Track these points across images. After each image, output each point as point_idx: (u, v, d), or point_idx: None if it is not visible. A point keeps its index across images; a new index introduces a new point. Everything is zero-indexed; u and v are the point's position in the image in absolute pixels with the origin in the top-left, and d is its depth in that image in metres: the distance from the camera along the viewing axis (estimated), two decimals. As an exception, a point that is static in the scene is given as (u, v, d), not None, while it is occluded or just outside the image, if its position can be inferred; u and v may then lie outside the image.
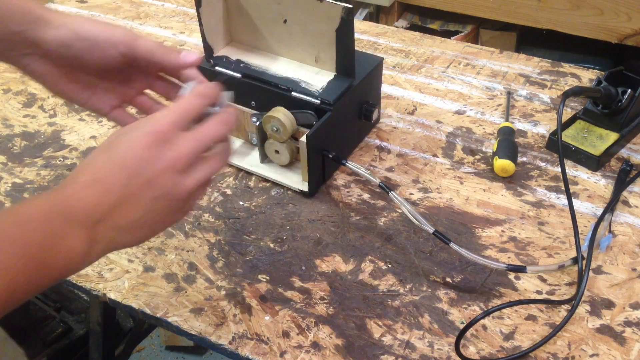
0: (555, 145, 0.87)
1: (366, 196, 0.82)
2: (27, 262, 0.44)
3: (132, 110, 0.66)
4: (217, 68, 0.85)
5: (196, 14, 0.82)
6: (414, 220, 0.72)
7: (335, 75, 0.82)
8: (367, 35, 1.15)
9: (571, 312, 0.65)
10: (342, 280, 0.71)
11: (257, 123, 0.82)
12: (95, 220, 0.48)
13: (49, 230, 0.46)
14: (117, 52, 0.58)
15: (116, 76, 0.62)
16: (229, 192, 0.83)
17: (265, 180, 0.85)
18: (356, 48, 0.80)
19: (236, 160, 0.87)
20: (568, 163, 0.86)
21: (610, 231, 0.76)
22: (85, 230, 0.47)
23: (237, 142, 0.90)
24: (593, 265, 0.72)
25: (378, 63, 0.86)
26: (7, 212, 0.47)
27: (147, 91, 0.66)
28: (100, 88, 0.62)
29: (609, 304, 0.68)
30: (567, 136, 0.87)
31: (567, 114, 0.92)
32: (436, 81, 1.02)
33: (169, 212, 0.51)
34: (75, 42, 0.57)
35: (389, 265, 0.73)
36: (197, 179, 0.51)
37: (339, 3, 0.74)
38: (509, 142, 0.85)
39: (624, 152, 0.87)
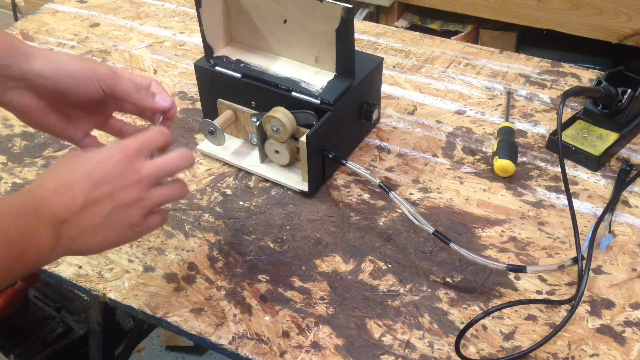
0: (555, 145, 0.87)
1: (366, 196, 0.82)
2: (6, 252, 0.49)
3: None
4: (217, 68, 0.85)
5: (196, 14, 0.82)
6: (414, 220, 0.72)
7: (335, 75, 0.82)
8: (367, 35, 1.15)
9: (571, 312, 0.65)
10: (342, 280, 0.71)
11: (257, 123, 0.82)
12: (60, 220, 0.53)
13: (23, 225, 0.51)
14: (98, 88, 0.62)
15: (91, 106, 0.65)
16: (229, 192, 0.83)
17: (265, 180, 0.85)
18: (356, 48, 0.80)
19: (236, 160, 0.87)
20: (568, 163, 0.86)
21: (610, 231, 0.76)
22: (52, 227, 0.52)
23: (237, 142, 0.90)
24: (593, 265, 0.72)
25: (378, 63, 0.86)
26: None
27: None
28: (75, 117, 0.66)
29: (609, 304, 0.68)
30: (567, 136, 0.87)
31: (567, 114, 0.92)
32: (436, 81, 1.02)
33: (124, 226, 0.56)
34: (62, 77, 0.61)
35: (389, 265, 0.73)
36: (154, 200, 0.58)
37: (339, 3, 0.74)
38: (509, 142, 0.85)
39: (624, 152, 0.87)
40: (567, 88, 1.00)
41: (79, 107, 0.65)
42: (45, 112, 0.63)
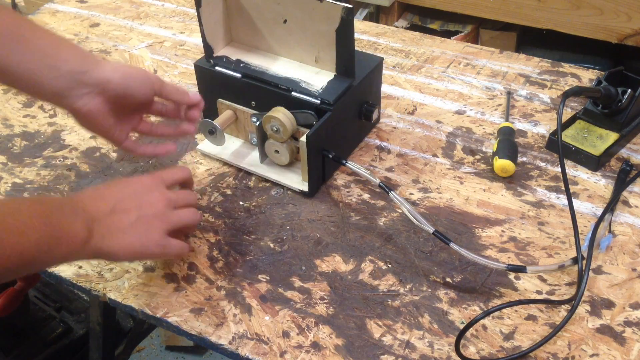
0: (555, 145, 0.87)
1: (366, 196, 0.82)
2: (45, 234, 0.56)
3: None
4: (217, 68, 0.85)
5: (196, 14, 0.82)
6: (414, 220, 0.72)
7: (335, 75, 0.82)
8: (367, 35, 1.15)
9: (571, 312, 0.65)
10: (342, 280, 0.71)
11: (257, 123, 0.82)
12: (93, 218, 0.62)
13: (62, 214, 0.59)
14: (152, 90, 0.73)
15: (135, 108, 0.75)
16: (229, 192, 0.83)
17: (265, 180, 0.85)
18: (356, 48, 0.80)
19: (236, 160, 0.87)
20: (568, 163, 0.86)
21: (610, 231, 0.76)
22: (85, 223, 0.61)
23: (237, 142, 0.90)
24: (593, 265, 0.72)
25: (378, 63, 0.86)
26: (24, 197, 0.61)
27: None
28: (123, 120, 0.75)
29: (609, 304, 0.68)
30: (567, 136, 0.87)
31: (567, 114, 0.92)
32: (436, 81, 1.02)
33: (148, 236, 0.65)
34: (128, 81, 0.70)
35: (389, 265, 0.73)
36: (174, 218, 0.67)
37: (338, 3, 0.74)
38: (509, 142, 0.85)
39: (624, 152, 0.87)
40: (567, 88, 1.00)
41: (128, 110, 0.74)
42: (108, 115, 0.72)
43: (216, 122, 0.84)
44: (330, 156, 0.80)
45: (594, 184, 0.82)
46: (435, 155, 0.88)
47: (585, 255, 0.69)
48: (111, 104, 0.71)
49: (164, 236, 0.66)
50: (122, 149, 0.77)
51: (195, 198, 0.73)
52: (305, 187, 0.81)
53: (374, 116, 0.87)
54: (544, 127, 0.92)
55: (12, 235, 0.54)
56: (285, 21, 0.81)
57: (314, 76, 0.83)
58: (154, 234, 0.65)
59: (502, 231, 0.76)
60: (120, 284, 0.72)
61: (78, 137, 0.94)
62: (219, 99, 0.87)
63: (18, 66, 0.65)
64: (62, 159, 0.90)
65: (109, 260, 0.71)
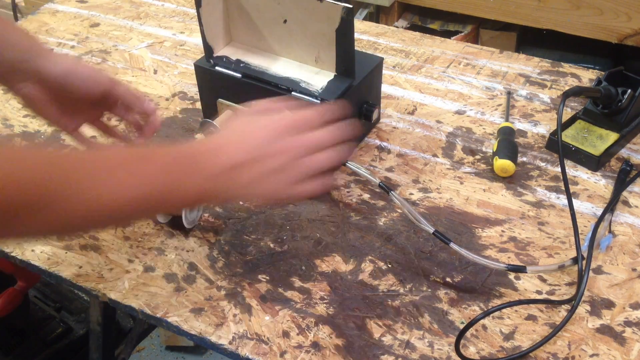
0: (555, 145, 0.86)
1: (366, 196, 0.82)
2: (164, 181, 0.56)
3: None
4: (217, 68, 0.85)
5: (196, 14, 0.82)
6: (414, 220, 0.72)
7: (335, 75, 0.82)
8: (367, 35, 1.15)
9: (571, 312, 0.65)
10: (342, 280, 0.71)
11: (257, 123, 0.82)
12: (220, 170, 0.59)
13: (180, 168, 0.58)
14: (99, 90, 0.73)
15: (87, 105, 0.75)
16: (229, 192, 0.83)
17: (265, 180, 0.85)
18: (356, 48, 0.80)
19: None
20: (568, 163, 0.86)
21: (610, 231, 0.76)
22: (202, 180, 0.58)
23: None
24: (593, 265, 0.72)
25: (378, 63, 0.86)
26: (152, 147, 0.61)
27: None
28: (71, 111, 0.75)
29: (609, 304, 0.68)
30: (567, 136, 0.87)
31: (567, 114, 0.92)
32: (436, 81, 1.02)
33: (274, 186, 0.61)
34: (70, 77, 0.71)
35: (389, 265, 0.73)
36: (303, 169, 0.62)
37: (338, 3, 0.74)
38: (508, 142, 0.85)
39: (624, 152, 0.87)
40: (567, 88, 1.00)
41: (77, 103, 0.74)
42: (46, 103, 0.72)
43: (216, 122, 0.84)
44: (330, 156, 0.80)
45: (594, 184, 0.82)
46: (435, 155, 0.88)
47: (585, 255, 0.69)
48: (52, 94, 0.72)
49: (291, 186, 0.62)
50: (72, 137, 0.77)
51: (335, 136, 0.64)
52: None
53: (374, 116, 0.87)
54: (544, 127, 0.92)
55: (136, 180, 0.55)
56: (285, 21, 0.81)
57: (314, 76, 0.83)
58: (279, 186, 0.61)
59: (502, 231, 0.76)
60: (120, 284, 0.72)
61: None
62: (219, 99, 0.87)
63: None
64: (62, 159, 0.90)
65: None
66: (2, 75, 0.71)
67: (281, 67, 0.84)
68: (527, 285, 0.70)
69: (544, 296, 0.69)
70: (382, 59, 0.87)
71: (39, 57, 0.70)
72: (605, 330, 0.65)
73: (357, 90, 0.83)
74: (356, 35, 1.12)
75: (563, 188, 0.75)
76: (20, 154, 0.52)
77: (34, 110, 0.74)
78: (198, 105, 0.99)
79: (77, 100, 0.73)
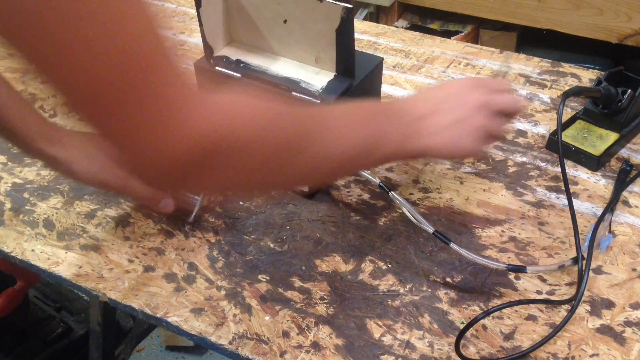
0: (555, 145, 0.86)
1: (366, 196, 0.82)
2: (367, 136, 0.61)
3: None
4: (217, 68, 0.85)
5: (196, 14, 0.82)
6: (414, 220, 0.72)
7: (335, 75, 0.82)
8: (367, 35, 1.15)
9: (571, 312, 0.65)
10: (342, 280, 0.71)
11: (257, 123, 0.82)
12: (411, 121, 0.65)
13: (381, 119, 0.64)
14: (104, 187, 0.74)
15: None
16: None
17: (265, 180, 0.85)
18: (356, 48, 0.80)
19: (236, 160, 0.87)
20: (568, 163, 0.86)
21: (610, 231, 0.76)
22: (403, 127, 0.64)
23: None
24: (593, 265, 0.72)
25: (378, 63, 0.86)
26: (352, 103, 0.64)
27: None
28: None
29: (609, 304, 0.68)
30: (567, 136, 0.87)
31: (567, 114, 0.92)
32: (436, 81, 1.02)
33: (464, 135, 0.66)
34: (74, 166, 0.72)
35: (389, 265, 0.73)
36: (489, 121, 0.67)
37: (339, 3, 0.74)
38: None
39: (624, 152, 0.87)
40: (567, 88, 1.00)
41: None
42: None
43: None
44: (330, 156, 0.80)
45: (594, 184, 0.82)
46: (435, 155, 0.88)
47: (585, 255, 0.69)
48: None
49: (479, 138, 0.67)
50: None
51: (519, 105, 0.71)
52: (305, 187, 0.81)
53: (374, 116, 0.87)
54: (544, 127, 0.92)
55: (344, 134, 0.59)
56: (285, 21, 0.81)
57: (314, 76, 0.83)
58: (469, 136, 0.66)
59: (502, 231, 0.76)
60: (120, 284, 0.72)
61: (78, 137, 0.93)
62: (219, 99, 0.87)
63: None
64: (62, 159, 0.90)
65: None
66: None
67: (281, 67, 0.84)
68: (527, 285, 0.70)
69: (544, 296, 0.69)
70: (383, 59, 0.87)
71: (49, 143, 0.72)
72: (605, 330, 0.65)
73: (357, 90, 0.83)
74: (356, 35, 1.12)
75: (563, 188, 0.75)
76: (279, 107, 0.55)
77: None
78: (198, 105, 0.98)
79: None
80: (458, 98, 0.67)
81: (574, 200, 0.79)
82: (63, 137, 0.73)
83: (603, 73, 0.89)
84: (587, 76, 1.02)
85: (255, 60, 0.86)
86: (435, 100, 0.67)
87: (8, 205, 0.82)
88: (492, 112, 0.68)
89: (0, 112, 0.71)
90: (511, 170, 0.85)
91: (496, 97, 0.68)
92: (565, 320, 0.65)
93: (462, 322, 0.67)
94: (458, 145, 0.66)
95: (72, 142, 0.73)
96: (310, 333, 0.66)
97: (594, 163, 0.84)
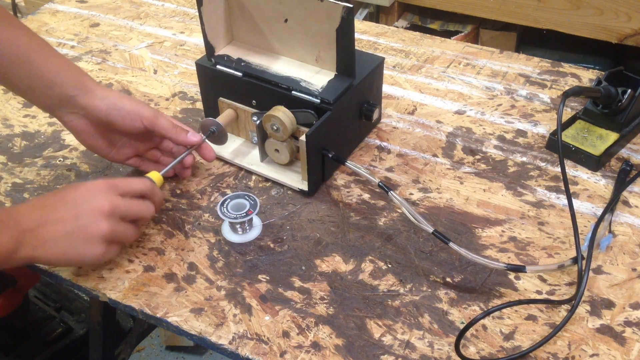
0: (555, 145, 0.87)
1: (366, 196, 0.82)
2: None
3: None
4: (218, 67, 0.85)
5: (197, 13, 0.82)
6: (413, 220, 0.72)
7: (335, 74, 0.82)
8: (367, 35, 1.15)
9: (571, 312, 0.65)
10: (342, 280, 0.71)
11: (258, 122, 0.82)
12: (24, 230, 0.63)
13: None
14: (142, 124, 0.77)
15: (134, 137, 0.81)
16: (229, 192, 0.83)
17: (266, 180, 0.85)
18: (356, 48, 0.80)
19: (236, 159, 0.87)
20: (568, 163, 0.86)
21: (610, 231, 0.76)
22: (14, 236, 0.62)
23: (237, 141, 0.90)
24: (593, 265, 0.72)
25: (379, 63, 0.86)
26: None
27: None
28: (119, 144, 0.81)
29: (609, 304, 0.68)
30: (567, 136, 0.87)
31: (567, 114, 0.93)
32: (436, 81, 1.02)
33: (83, 244, 0.65)
34: (113, 112, 0.76)
35: (389, 265, 0.73)
36: (112, 229, 0.66)
37: (339, 2, 0.74)
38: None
39: (624, 152, 0.87)
40: (567, 88, 1.00)
41: (123, 137, 0.80)
42: (94, 136, 0.78)
43: (219, 119, 0.84)
44: (330, 155, 0.80)
45: (594, 184, 0.82)
46: (435, 155, 0.88)
47: (585, 255, 0.69)
48: (98, 127, 0.78)
49: (100, 245, 0.66)
50: (126, 165, 0.84)
51: (150, 211, 0.72)
52: (304, 186, 0.81)
53: (375, 116, 0.87)
54: (544, 127, 0.92)
55: None
56: (286, 20, 0.81)
57: (315, 75, 0.83)
58: (88, 244, 0.66)
59: (502, 231, 0.76)
60: (120, 284, 0.72)
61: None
62: (220, 98, 0.87)
63: (19, 81, 0.75)
64: (62, 159, 0.90)
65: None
66: (52, 108, 0.77)
67: (282, 66, 0.85)
68: (527, 285, 0.70)
69: (544, 296, 0.69)
70: (384, 59, 0.87)
71: (86, 94, 0.75)
72: (605, 330, 0.65)
73: (357, 90, 0.83)
74: (356, 35, 1.12)
75: (563, 188, 0.75)
76: None
77: (81, 141, 0.79)
78: (198, 105, 0.99)
79: (122, 134, 0.79)
80: (78, 205, 0.66)
81: (574, 200, 0.79)
82: (97, 89, 0.76)
83: (603, 73, 0.89)
84: (587, 76, 1.02)
85: (256, 59, 0.86)
86: (52, 207, 0.65)
87: (8, 205, 0.82)
88: (118, 219, 0.67)
89: (31, 64, 0.74)
90: (511, 170, 0.85)
91: (123, 204, 0.68)
92: (565, 320, 0.65)
93: (462, 322, 0.67)
94: (74, 255, 0.66)
95: (106, 93, 0.77)
96: (310, 333, 0.66)
97: (594, 163, 0.84)
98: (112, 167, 0.88)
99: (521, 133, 0.91)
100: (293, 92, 0.81)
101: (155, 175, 0.77)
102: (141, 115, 0.77)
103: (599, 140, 0.86)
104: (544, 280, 0.71)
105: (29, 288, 1.30)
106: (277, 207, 0.81)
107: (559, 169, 0.84)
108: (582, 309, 0.67)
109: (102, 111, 0.75)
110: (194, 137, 0.80)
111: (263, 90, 0.83)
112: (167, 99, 1.00)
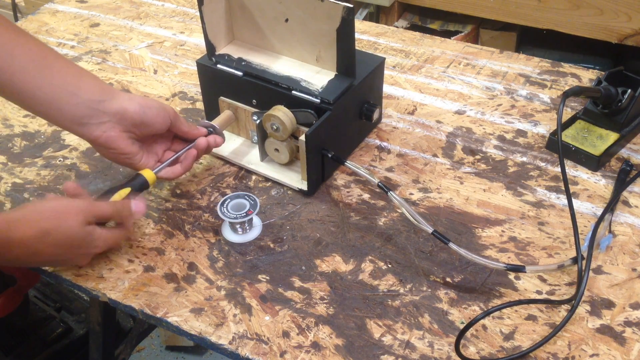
0: (555, 145, 0.86)
1: (366, 196, 0.82)
2: None
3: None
4: (218, 66, 0.85)
5: (197, 13, 0.82)
6: (413, 220, 0.72)
7: (335, 74, 0.82)
8: (367, 35, 1.15)
9: (571, 312, 0.65)
10: (342, 280, 0.71)
11: (258, 121, 0.82)
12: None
13: None
14: (169, 120, 0.76)
15: (158, 137, 0.79)
16: (229, 192, 0.83)
17: (265, 180, 0.85)
18: (356, 48, 0.80)
19: (236, 158, 0.87)
20: (568, 163, 0.86)
21: (610, 231, 0.76)
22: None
23: (238, 140, 0.90)
24: (593, 265, 0.72)
25: (379, 63, 0.86)
26: None
27: None
28: (147, 147, 0.78)
29: (609, 304, 0.68)
30: (567, 136, 0.87)
31: (567, 114, 0.93)
32: (436, 81, 1.02)
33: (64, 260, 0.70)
34: (146, 111, 0.74)
35: (389, 265, 0.73)
36: (89, 232, 0.68)
37: (339, 2, 0.74)
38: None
39: (624, 152, 0.87)
40: (567, 88, 1.00)
41: (151, 138, 0.78)
42: (129, 144, 0.74)
43: (214, 122, 0.84)
44: (330, 155, 0.80)
45: (594, 184, 0.82)
46: (435, 155, 0.88)
47: (585, 255, 0.69)
48: (130, 132, 0.74)
49: (79, 249, 0.69)
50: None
51: (118, 239, 0.73)
52: (304, 186, 0.81)
53: (375, 116, 0.87)
54: (544, 127, 0.92)
55: None
56: (286, 20, 0.81)
57: (315, 75, 0.83)
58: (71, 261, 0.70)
59: (502, 231, 0.76)
60: (120, 284, 0.72)
61: (78, 137, 0.93)
62: (220, 97, 0.87)
63: (40, 90, 0.70)
64: (62, 159, 0.90)
65: None
66: (78, 122, 0.72)
67: (282, 65, 0.85)
68: (527, 285, 0.70)
69: (544, 296, 0.69)
70: (384, 59, 0.87)
71: (113, 97, 0.72)
72: (605, 330, 0.65)
73: (357, 90, 0.83)
74: (356, 35, 1.12)
75: (563, 188, 0.75)
76: None
77: (112, 154, 0.75)
78: (198, 105, 0.99)
79: (151, 134, 0.77)
80: (45, 229, 0.65)
81: (574, 200, 0.79)
82: (119, 92, 0.74)
83: (603, 73, 0.89)
84: (587, 76, 1.02)
85: (256, 59, 0.86)
86: (35, 243, 0.65)
87: (8, 205, 0.82)
88: (86, 247, 0.69)
89: (51, 69, 0.70)
90: (511, 170, 0.85)
91: (96, 233, 0.69)
92: (565, 320, 0.65)
93: (462, 322, 0.67)
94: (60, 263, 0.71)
95: (128, 94, 0.75)
96: (310, 333, 0.66)
97: (594, 163, 0.84)
98: (112, 167, 0.88)
99: (521, 133, 0.91)
100: (293, 91, 0.81)
101: (148, 173, 0.76)
102: (167, 111, 0.76)
103: (599, 140, 0.86)
104: (544, 280, 0.71)
105: (29, 288, 1.30)
106: (277, 207, 0.81)
107: (559, 169, 0.84)
108: (582, 309, 0.67)
109: (137, 112, 0.73)
110: (203, 130, 0.82)
111: (263, 90, 0.83)
112: (167, 99, 1.00)
